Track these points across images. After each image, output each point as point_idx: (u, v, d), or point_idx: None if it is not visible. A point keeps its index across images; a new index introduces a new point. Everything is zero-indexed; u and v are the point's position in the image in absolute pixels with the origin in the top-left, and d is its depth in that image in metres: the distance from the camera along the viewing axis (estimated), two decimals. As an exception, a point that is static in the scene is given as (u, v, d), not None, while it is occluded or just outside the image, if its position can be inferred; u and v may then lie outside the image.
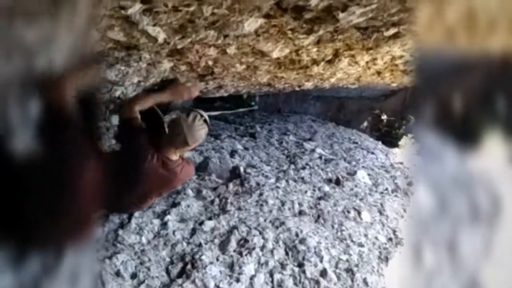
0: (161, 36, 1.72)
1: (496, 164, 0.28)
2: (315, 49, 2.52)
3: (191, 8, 1.47)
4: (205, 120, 2.55)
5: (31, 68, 0.30)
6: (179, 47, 1.98)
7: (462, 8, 0.30)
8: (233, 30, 1.75)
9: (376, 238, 3.46)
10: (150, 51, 2.03)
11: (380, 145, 6.70)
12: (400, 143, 7.57)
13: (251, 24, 1.71)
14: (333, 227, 3.47)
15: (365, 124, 8.91)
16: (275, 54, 2.48)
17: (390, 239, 3.48)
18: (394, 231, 3.59)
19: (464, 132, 0.32)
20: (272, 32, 1.93)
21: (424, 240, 0.38)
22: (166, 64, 2.71)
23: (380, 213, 3.87)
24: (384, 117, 8.67)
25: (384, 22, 1.92)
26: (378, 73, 3.63)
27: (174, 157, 2.60)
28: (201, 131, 2.52)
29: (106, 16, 1.41)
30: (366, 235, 3.45)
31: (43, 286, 0.33)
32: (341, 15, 1.67)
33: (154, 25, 1.58)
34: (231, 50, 2.32)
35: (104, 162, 2.79)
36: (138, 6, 1.38)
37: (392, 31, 2.05)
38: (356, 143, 6.38)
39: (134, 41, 1.75)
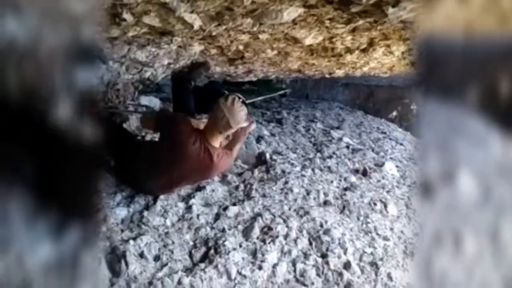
0: (197, 23, 1.69)
1: None
2: (349, 37, 2.45)
3: (231, -4, 1.44)
4: (243, 102, 2.57)
5: (77, 38, 0.31)
6: (214, 33, 1.95)
7: None
8: (271, 19, 1.71)
9: (402, 232, 3.40)
10: (184, 36, 2.00)
11: (409, 135, 6.56)
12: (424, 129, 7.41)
13: (291, 13, 1.66)
14: (358, 219, 3.42)
15: (394, 113, 8.73)
16: (308, 41, 2.42)
17: (417, 233, 3.40)
18: (420, 225, 3.51)
19: (509, 118, 0.31)
20: (310, 20, 1.88)
21: (466, 228, 0.38)
22: (197, 47, 2.69)
23: (407, 206, 3.80)
24: (414, 106, 8.48)
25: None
26: (413, 63, 3.52)
27: (216, 143, 2.62)
28: (241, 112, 2.55)
29: (143, 2, 1.38)
30: (392, 229, 3.39)
31: (82, 258, 0.34)
32: (390, 10, 1.60)
33: (191, 12, 1.55)
34: (264, 36, 2.28)
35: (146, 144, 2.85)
36: (177, -7, 1.35)
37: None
38: (385, 133, 6.27)
39: (169, 27, 1.73)
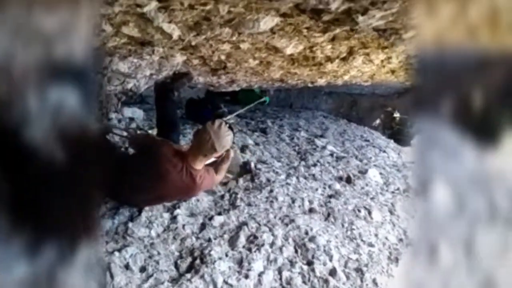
0: (176, 33, 1.71)
1: None
2: (329, 46, 2.49)
3: (208, 7, 1.46)
4: (229, 127, 2.61)
5: (50, 56, 0.30)
6: (193, 43, 1.97)
7: (485, 7, 0.30)
8: (248, 28, 1.74)
9: (387, 238, 3.43)
10: (164, 46, 2.02)
11: (392, 143, 6.65)
12: (412, 141, 7.50)
13: (267, 22, 1.69)
14: (343, 225, 3.45)
15: (377, 121, 8.84)
16: (288, 51, 2.46)
17: (401, 239, 3.44)
18: (404, 232, 3.55)
19: (483, 130, 0.31)
20: (288, 30, 1.91)
21: (441, 239, 0.38)
22: (179, 58, 2.71)
23: (391, 212, 3.84)
24: (397, 115, 8.59)
25: (404, 24, 1.89)
26: (393, 71, 3.58)
27: (199, 166, 2.64)
28: (227, 137, 2.59)
29: (121, 12, 1.39)
30: (376, 235, 3.42)
31: (58, 276, 0.33)
32: (360, 18, 1.64)
33: (169, 22, 1.58)
34: (245, 45, 2.30)
35: (121, 160, 2.85)
36: (154, 4, 1.37)
37: (411, 33, 2.02)
38: (368, 141, 6.34)
39: (148, 37, 1.75)
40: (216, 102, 5.75)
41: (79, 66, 0.33)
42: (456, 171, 0.35)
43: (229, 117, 5.44)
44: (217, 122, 2.59)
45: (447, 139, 0.36)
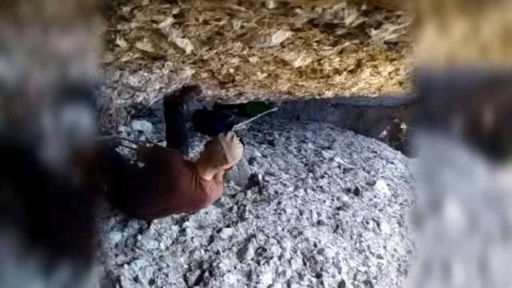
0: (189, 48, 1.74)
1: None
2: (337, 59, 2.51)
3: (221, 22, 1.49)
4: (241, 140, 2.62)
5: (65, 77, 0.30)
6: (205, 57, 2.00)
7: (498, 25, 0.30)
8: (260, 43, 1.76)
9: (395, 250, 3.41)
10: (176, 61, 2.05)
11: (399, 154, 6.62)
12: (418, 155, 7.47)
13: (279, 37, 1.71)
14: (351, 237, 3.44)
15: (384, 133, 8.81)
16: (297, 63, 2.48)
17: (410, 251, 3.42)
18: (413, 244, 3.53)
19: (494, 148, 0.31)
20: (298, 43, 1.94)
21: (454, 257, 0.38)
22: (188, 71, 2.73)
23: (400, 224, 3.82)
24: (403, 126, 8.57)
25: (415, 38, 1.90)
26: (400, 83, 3.60)
27: (209, 177, 2.64)
28: (239, 149, 2.60)
29: (137, 28, 1.42)
30: (385, 247, 3.40)
31: None
32: (373, 32, 1.66)
33: (183, 37, 1.60)
34: (254, 59, 2.33)
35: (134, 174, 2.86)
36: (169, 20, 1.40)
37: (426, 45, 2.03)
38: (375, 152, 6.32)
39: (161, 52, 1.78)
40: (225, 113, 5.77)
41: (92, 85, 0.34)
42: (467, 189, 0.35)
43: (239, 124, 5.45)
44: (229, 134, 2.60)
45: (458, 157, 0.36)
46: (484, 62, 0.32)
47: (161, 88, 3.12)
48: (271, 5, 1.33)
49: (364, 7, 1.42)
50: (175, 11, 1.38)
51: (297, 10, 1.40)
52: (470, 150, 0.34)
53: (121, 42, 1.52)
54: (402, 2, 1.28)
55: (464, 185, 0.36)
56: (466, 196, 0.36)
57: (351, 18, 1.48)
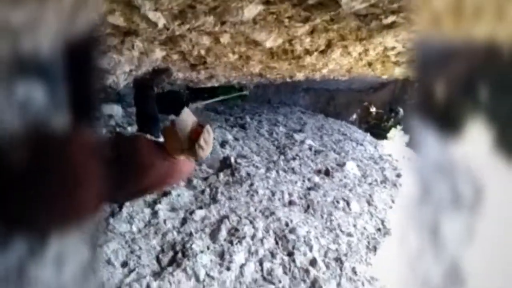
0: (161, 22, 1.71)
1: (478, 152, 0.29)
2: (308, 39, 2.52)
3: (195, -7, 1.47)
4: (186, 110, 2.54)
5: (17, 51, 0.29)
6: (177, 33, 1.97)
7: None
8: (232, 16, 1.75)
9: (365, 228, 3.50)
10: (147, 38, 2.01)
11: (369, 137, 6.76)
12: (388, 135, 7.64)
13: (251, 10, 1.70)
14: (322, 217, 3.50)
15: (354, 116, 8.95)
16: (268, 44, 2.48)
17: (379, 229, 3.52)
18: (382, 222, 3.63)
19: (446, 119, 0.32)
20: (269, 19, 1.93)
21: (409, 225, 0.39)
22: (158, 53, 2.70)
23: (369, 203, 3.92)
24: (373, 109, 8.72)
25: (384, 9, 1.93)
26: (369, 64, 3.65)
27: (179, 156, 2.57)
28: (189, 121, 2.50)
29: (108, 0, 1.39)
30: (355, 225, 3.49)
31: (28, 269, 0.33)
32: (343, 1, 1.67)
33: (155, 10, 1.57)
34: (225, 39, 2.32)
35: (102, 152, 2.78)
36: (142, -9, 1.37)
37: (391, 19, 2.05)
38: (345, 135, 6.42)
39: (133, 26, 1.74)
40: (179, 92, 5.62)
41: (47, 60, 0.33)
42: (421, 159, 0.36)
43: (195, 104, 5.38)
44: (176, 118, 2.51)
45: (415, 130, 0.37)
46: (436, 33, 0.32)
47: (131, 70, 3.07)
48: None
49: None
50: (148, -20, 1.36)
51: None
52: (422, 122, 0.34)
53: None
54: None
55: (418, 157, 0.36)
56: (419, 167, 0.36)
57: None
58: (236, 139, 4.99)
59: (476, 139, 0.29)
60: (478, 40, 0.29)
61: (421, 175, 0.37)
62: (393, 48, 2.92)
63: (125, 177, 2.58)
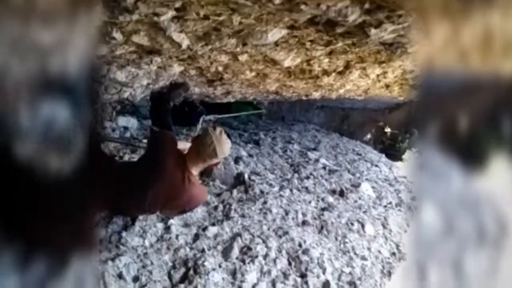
0: (185, 43, 1.73)
1: (501, 186, 0.28)
2: (327, 60, 2.52)
3: (221, 17, 1.48)
4: (228, 135, 2.59)
5: (45, 71, 0.29)
6: (199, 53, 1.99)
7: (479, 30, 0.30)
8: (256, 40, 1.76)
9: (379, 251, 3.44)
10: (170, 55, 2.03)
11: (383, 158, 6.69)
12: (403, 156, 7.56)
13: (275, 34, 1.71)
14: (336, 238, 3.46)
15: (369, 136, 8.90)
16: (286, 63, 2.47)
17: (393, 253, 3.46)
18: (397, 246, 3.57)
19: (470, 153, 0.32)
20: (291, 42, 1.93)
21: (430, 259, 0.38)
22: (176, 68, 2.71)
23: (384, 226, 3.86)
24: (388, 130, 8.67)
25: (411, 39, 1.92)
26: (387, 86, 3.63)
27: (195, 171, 2.59)
28: (227, 144, 2.56)
29: (134, 21, 1.41)
30: (369, 249, 3.43)
31: None
32: (372, 31, 1.66)
33: (180, 31, 1.59)
34: (244, 57, 2.32)
35: (115, 171, 2.79)
36: (170, 13, 1.38)
37: (416, 48, 2.04)
38: (360, 154, 6.38)
39: (157, 46, 1.76)
40: (193, 103, 5.66)
41: (74, 80, 0.32)
42: (444, 192, 0.35)
43: (209, 116, 5.41)
44: (218, 128, 2.58)
45: (435, 161, 0.36)
46: (462, 67, 0.32)
47: (148, 84, 3.09)
48: (278, 0, 1.32)
49: (367, 6, 1.42)
50: (178, 4, 1.37)
51: (302, 6, 1.39)
52: (446, 154, 0.34)
53: (117, 35, 1.50)
54: (405, 1, 1.28)
55: (440, 188, 0.36)
56: (442, 200, 0.36)
57: (354, 16, 1.48)
58: (250, 155, 4.98)
59: (500, 173, 0.28)
60: (504, 75, 0.28)
61: (443, 208, 0.36)
62: (411, 71, 2.90)
63: (145, 171, 2.55)
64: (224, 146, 2.55)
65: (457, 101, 0.33)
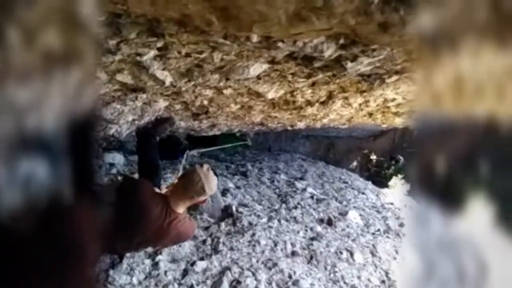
0: (168, 80, 1.77)
1: (480, 228, 0.29)
2: (309, 91, 2.58)
3: (203, 55, 1.52)
4: (215, 172, 2.60)
5: (21, 128, 0.29)
6: (183, 89, 2.03)
7: (450, 75, 0.31)
8: (238, 75, 1.81)
9: (369, 280, 3.42)
10: (154, 92, 2.07)
11: (370, 185, 6.73)
12: (390, 183, 7.61)
13: (256, 69, 1.76)
14: (326, 268, 3.44)
15: (355, 163, 8.97)
16: (270, 95, 2.53)
17: (383, 281, 3.44)
18: (386, 273, 3.56)
19: (448, 195, 0.32)
20: (273, 75, 1.99)
21: None
22: (161, 103, 2.75)
23: (373, 254, 3.85)
24: (373, 157, 8.75)
25: (388, 70, 1.99)
26: (370, 114, 3.70)
27: (181, 209, 2.58)
28: (214, 181, 2.56)
29: (117, 60, 1.44)
30: (359, 277, 3.41)
31: None
32: (349, 65, 1.72)
33: (163, 69, 1.63)
34: (228, 91, 2.37)
35: (102, 213, 2.75)
36: (152, 53, 1.42)
37: (394, 78, 2.11)
38: (347, 182, 6.41)
39: (141, 84, 1.79)
40: (176, 138, 5.67)
41: (51, 137, 0.33)
42: (424, 236, 0.35)
43: (193, 151, 5.41)
44: (205, 165, 2.59)
45: (414, 205, 0.36)
46: (436, 111, 0.33)
47: (134, 120, 3.12)
48: (255, 39, 1.37)
49: (342, 41, 1.48)
50: (160, 44, 1.41)
51: (279, 44, 1.45)
52: (425, 198, 0.34)
53: (101, 74, 1.54)
54: (378, 37, 1.33)
55: (420, 231, 0.36)
56: (422, 243, 0.36)
57: (329, 51, 1.54)
58: (237, 187, 4.98)
59: (478, 215, 0.29)
60: (478, 117, 0.29)
61: (425, 253, 0.36)
62: (393, 99, 2.98)
63: (127, 222, 2.55)
64: (212, 183, 2.55)
65: (434, 145, 0.34)
